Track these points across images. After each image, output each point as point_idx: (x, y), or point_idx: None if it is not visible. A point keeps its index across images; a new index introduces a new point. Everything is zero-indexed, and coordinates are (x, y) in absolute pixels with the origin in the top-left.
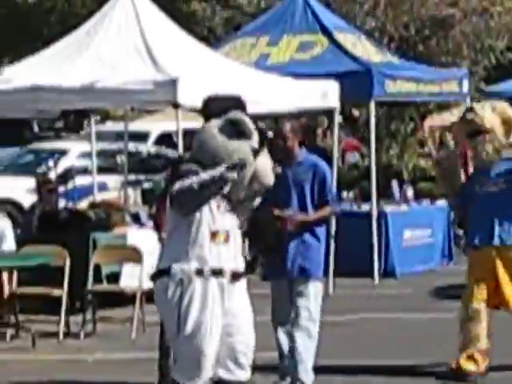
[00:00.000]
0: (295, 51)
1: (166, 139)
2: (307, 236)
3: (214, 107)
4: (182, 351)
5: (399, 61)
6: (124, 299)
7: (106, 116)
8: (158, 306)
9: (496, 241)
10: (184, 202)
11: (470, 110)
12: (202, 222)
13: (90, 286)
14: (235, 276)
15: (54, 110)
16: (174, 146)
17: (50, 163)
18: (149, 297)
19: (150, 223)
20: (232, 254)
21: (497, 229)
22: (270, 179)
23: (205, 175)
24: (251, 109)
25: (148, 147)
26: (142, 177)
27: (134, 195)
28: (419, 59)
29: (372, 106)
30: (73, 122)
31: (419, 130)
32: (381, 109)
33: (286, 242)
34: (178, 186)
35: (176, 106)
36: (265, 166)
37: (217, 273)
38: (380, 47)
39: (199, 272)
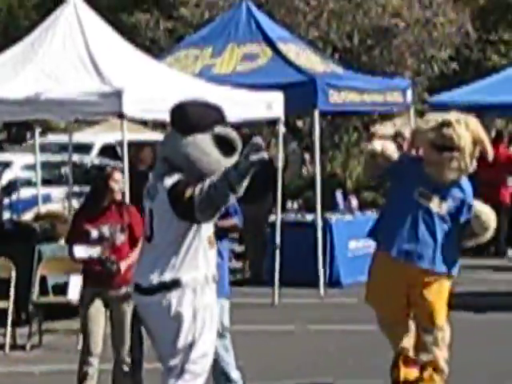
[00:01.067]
0: (239, 62)
1: (108, 150)
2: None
3: (196, 119)
4: (192, 362)
5: (343, 71)
6: (70, 311)
7: (47, 128)
8: (158, 320)
9: (424, 263)
10: (212, 205)
11: (448, 124)
12: (201, 227)
13: (35, 297)
14: None
15: None
16: (117, 157)
17: None
18: None
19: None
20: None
21: (428, 251)
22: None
23: (228, 170)
24: None
25: (92, 158)
26: (86, 188)
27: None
28: (363, 69)
29: (316, 116)
30: (15, 133)
31: (365, 139)
32: (325, 119)
33: None
34: (197, 191)
35: (121, 116)
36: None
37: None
38: (323, 57)
39: (207, 279)
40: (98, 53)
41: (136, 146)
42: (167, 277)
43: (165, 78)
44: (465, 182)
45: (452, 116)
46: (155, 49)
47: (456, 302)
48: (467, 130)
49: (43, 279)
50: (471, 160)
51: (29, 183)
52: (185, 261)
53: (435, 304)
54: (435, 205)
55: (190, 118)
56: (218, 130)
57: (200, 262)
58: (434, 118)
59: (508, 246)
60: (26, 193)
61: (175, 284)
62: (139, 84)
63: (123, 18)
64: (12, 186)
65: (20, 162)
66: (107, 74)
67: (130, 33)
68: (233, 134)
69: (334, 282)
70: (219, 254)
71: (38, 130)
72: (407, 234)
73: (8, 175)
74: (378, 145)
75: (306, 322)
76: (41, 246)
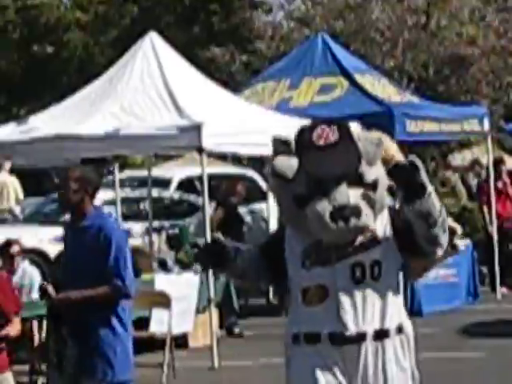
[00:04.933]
0: (316, 94)
1: (187, 185)
2: (97, 326)
3: None
4: None
5: (419, 100)
6: (154, 345)
7: (124, 164)
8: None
9: None
10: None
11: None
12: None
13: None
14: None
15: (77, 159)
16: (196, 192)
17: None
18: (178, 342)
19: (176, 268)
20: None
21: None
22: None
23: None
24: None
25: (171, 193)
26: (165, 223)
27: (158, 241)
28: (439, 98)
29: None
30: None
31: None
32: (402, 149)
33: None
34: None
35: (200, 150)
36: None
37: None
38: (399, 87)
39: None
40: (176, 87)
41: (229, 180)
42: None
43: (243, 112)
44: None
45: None
46: (232, 82)
47: None
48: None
49: None
50: None
51: None
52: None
53: None
54: None
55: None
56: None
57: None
58: None
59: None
60: None
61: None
62: (218, 118)
63: (199, 53)
64: None
65: (100, 198)
66: (186, 109)
67: (206, 67)
68: None
69: (414, 311)
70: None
71: (116, 166)
72: None
73: None
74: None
75: None
76: None
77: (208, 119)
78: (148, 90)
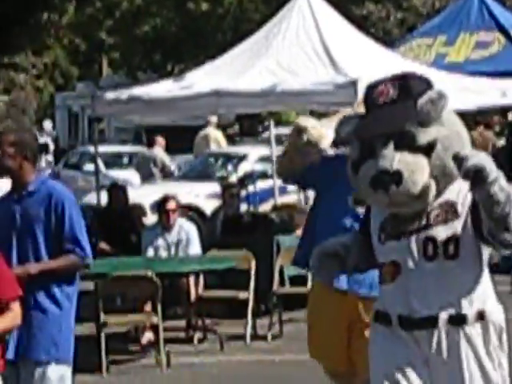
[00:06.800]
0: (472, 50)
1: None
2: (41, 302)
3: None
4: None
5: None
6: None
7: (277, 122)
8: None
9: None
10: None
11: None
12: None
13: (276, 288)
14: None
15: (231, 115)
16: None
17: (229, 168)
18: None
19: None
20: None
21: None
22: None
23: None
24: None
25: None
26: None
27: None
28: None
29: None
30: (248, 126)
31: None
32: None
33: None
34: None
35: None
36: None
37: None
38: None
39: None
40: (332, 43)
41: None
42: None
43: (399, 68)
44: None
45: None
46: (387, 39)
47: None
48: None
49: (280, 270)
50: None
51: (264, 175)
52: None
53: None
54: None
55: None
56: None
57: None
58: None
59: None
60: (262, 185)
61: None
62: (374, 74)
63: (353, 9)
64: (248, 179)
65: (255, 155)
66: (342, 65)
67: (360, 24)
68: None
69: None
70: (54, 301)
71: (272, 123)
72: None
73: (244, 167)
74: None
75: None
76: (279, 237)
77: (364, 75)
78: (303, 46)
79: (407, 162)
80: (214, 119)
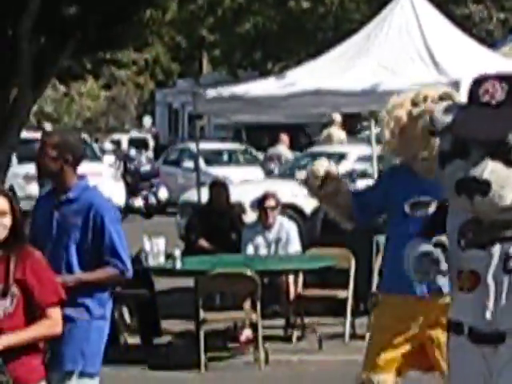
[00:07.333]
0: None
1: None
2: (70, 311)
3: None
4: None
5: None
6: None
7: (376, 120)
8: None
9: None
10: None
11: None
12: None
13: (374, 287)
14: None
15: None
16: None
17: None
18: None
19: None
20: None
21: None
22: None
23: None
24: None
25: None
26: None
27: None
28: None
29: None
30: (348, 126)
31: None
32: None
33: None
34: None
35: None
36: None
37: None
38: None
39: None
40: (434, 44)
41: None
42: None
43: (501, 69)
44: None
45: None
46: (489, 39)
47: None
48: None
49: (380, 270)
50: None
51: (364, 174)
52: None
53: None
54: None
55: None
56: None
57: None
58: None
59: None
60: (362, 184)
61: None
62: (476, 74)
63: (455, 10)
64: (348, 178)
65: (354, 154)
66: (444, 65)
67: (462, 24)
68: None
69: None
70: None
71: (373, 122)
72: None
73: (344, 166)
74: None
75: None
76: (379, 237)
77: (466, 76)
78: (405, 46)
79: (499, 175)
80: (338, 118)
